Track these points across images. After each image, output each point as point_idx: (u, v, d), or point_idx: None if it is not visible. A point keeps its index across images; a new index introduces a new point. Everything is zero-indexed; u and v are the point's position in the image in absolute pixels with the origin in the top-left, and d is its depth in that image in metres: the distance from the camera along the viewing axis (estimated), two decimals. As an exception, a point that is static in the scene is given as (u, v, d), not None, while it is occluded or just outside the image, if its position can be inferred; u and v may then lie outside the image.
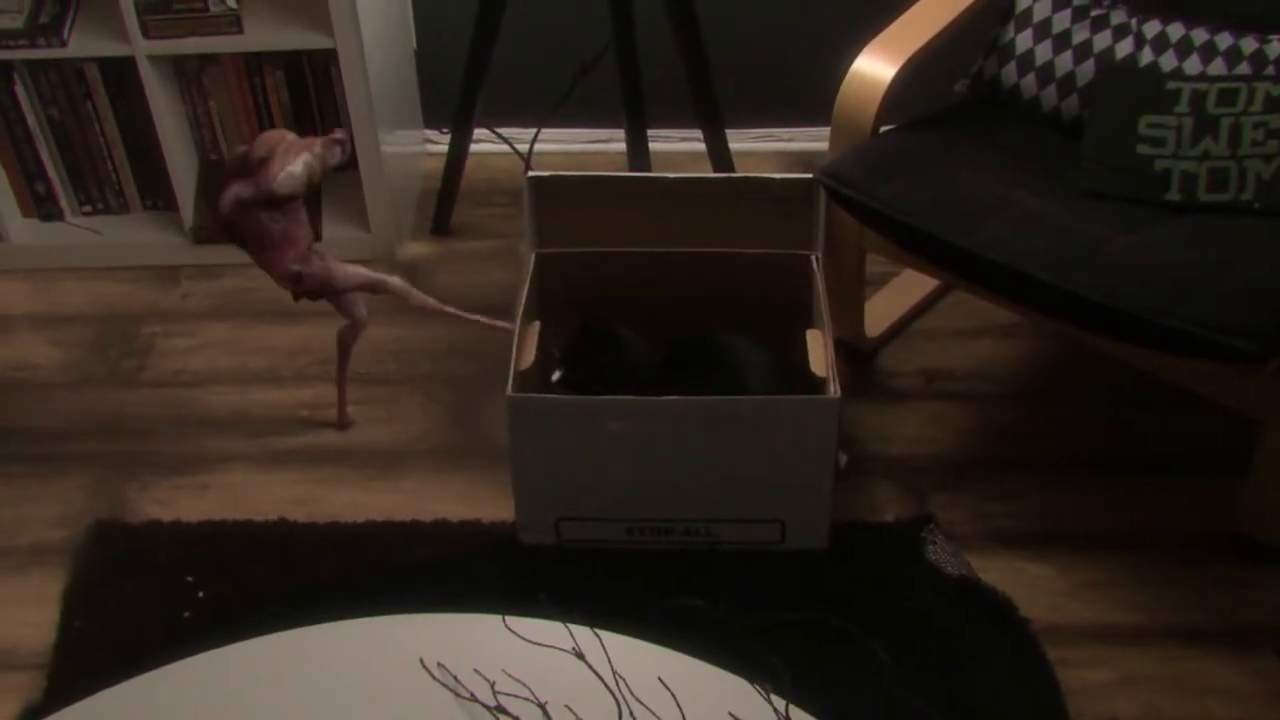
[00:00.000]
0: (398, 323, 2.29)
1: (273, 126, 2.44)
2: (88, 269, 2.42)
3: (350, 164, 2.40)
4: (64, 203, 2.45)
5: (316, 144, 1.86)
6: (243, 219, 1.85)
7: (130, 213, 2.47)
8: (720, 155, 2.38)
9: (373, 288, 1.98)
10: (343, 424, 2.09)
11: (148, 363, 2.21)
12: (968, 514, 1.92)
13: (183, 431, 2.08)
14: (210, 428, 2.09)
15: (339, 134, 1.89)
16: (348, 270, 1.96)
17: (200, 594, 1.80)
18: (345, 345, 2.03)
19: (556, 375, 1.85)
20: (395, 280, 2.00)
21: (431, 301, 2.03)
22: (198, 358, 2.23)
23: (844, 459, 1.96)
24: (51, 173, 2.40)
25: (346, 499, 1.96)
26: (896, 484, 1.97)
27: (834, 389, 1.73)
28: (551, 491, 1.81)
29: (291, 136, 1.85)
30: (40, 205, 2.44)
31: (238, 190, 1.82)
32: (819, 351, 1.82)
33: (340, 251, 2.40)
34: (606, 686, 1.15)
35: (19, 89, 2.28)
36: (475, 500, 1.94)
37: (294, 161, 1.82)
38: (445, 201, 2.47)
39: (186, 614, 1.78)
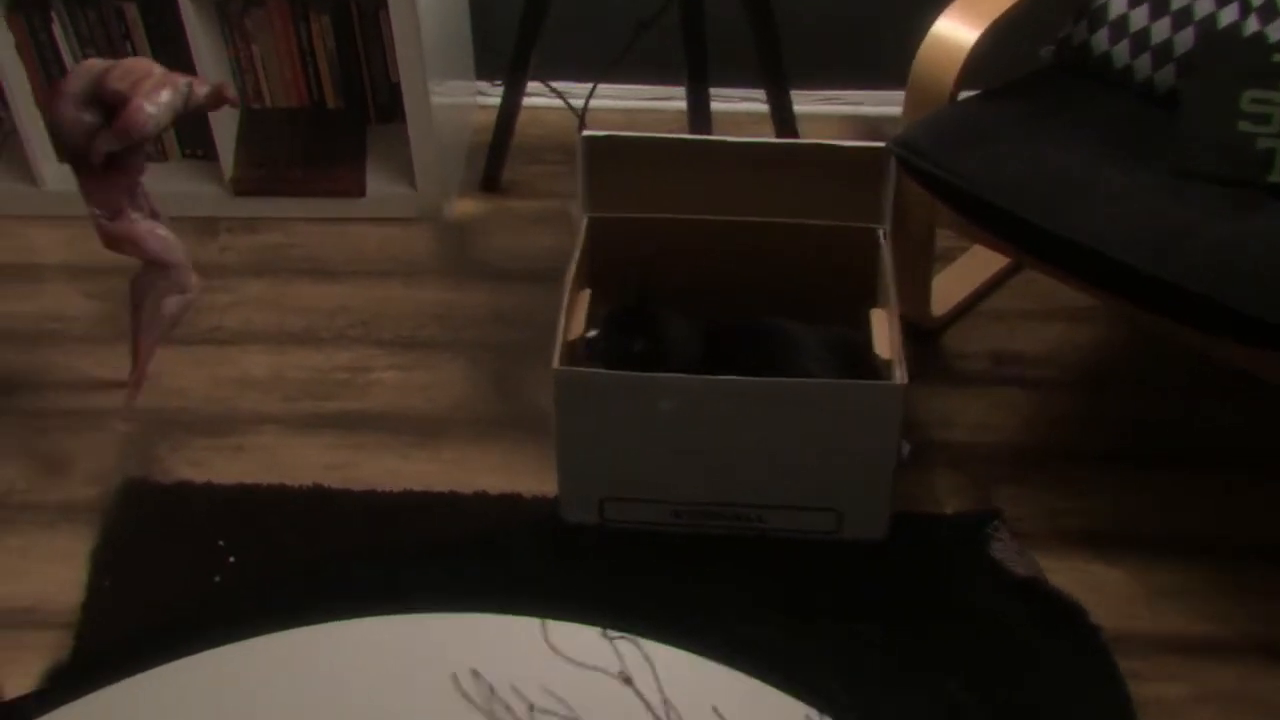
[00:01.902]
0: (441, 286, 2.23)
1: (318, 75, 2.38)
2: (125, 217, 2.37)
3: (397, 115, 2.34)
4: (102, 147, 2.40)
5: (181, 81, 1.75)
6: (86, 142, 1.75)
7: (169, 161, 2.42)
8: (783, 117, 2.31)
9: (165, 269, 1.89)
10: (135, 383, 2.01)
11: (182, 318, 2.16)
12: (1035, 509, 1.85)
13: (217, 390, 2.04)
14: (245, 388, 2.04)
15: (230, 92, 1.81)
16: (161, 239, 1.87)
17: (231, 558, 1.77)
18: (140, 299, 1.94)
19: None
20: (192, 285, 1.93)
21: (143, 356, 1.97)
22: (234, 315, 2.18)
23: (907, 449, 1.88)
24: (90, 116, 2.35)
25: (384, 466, 1.91)
26: (960, 473, 1.90)
27: (900, 374, 1.65)
28: (596, 470, 1.76)
29: (158, 69, 1.74)
30: (78, 149, 2.39)
31: (100, 135, 1.73)
32: (884, 333, 1.75)
33: (386, 209, 2.36)
34: (655, 716, 1.07)
35: (56, 29, 2.23)
36: (516, 472, 1.89)
37: (156, 101, 1.71)
38: (496, 157, 2.41)
39: (216, 578, 1.75)
